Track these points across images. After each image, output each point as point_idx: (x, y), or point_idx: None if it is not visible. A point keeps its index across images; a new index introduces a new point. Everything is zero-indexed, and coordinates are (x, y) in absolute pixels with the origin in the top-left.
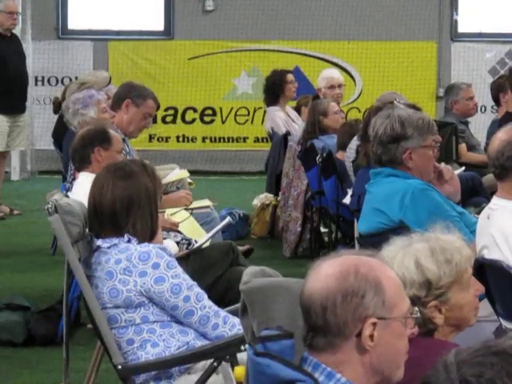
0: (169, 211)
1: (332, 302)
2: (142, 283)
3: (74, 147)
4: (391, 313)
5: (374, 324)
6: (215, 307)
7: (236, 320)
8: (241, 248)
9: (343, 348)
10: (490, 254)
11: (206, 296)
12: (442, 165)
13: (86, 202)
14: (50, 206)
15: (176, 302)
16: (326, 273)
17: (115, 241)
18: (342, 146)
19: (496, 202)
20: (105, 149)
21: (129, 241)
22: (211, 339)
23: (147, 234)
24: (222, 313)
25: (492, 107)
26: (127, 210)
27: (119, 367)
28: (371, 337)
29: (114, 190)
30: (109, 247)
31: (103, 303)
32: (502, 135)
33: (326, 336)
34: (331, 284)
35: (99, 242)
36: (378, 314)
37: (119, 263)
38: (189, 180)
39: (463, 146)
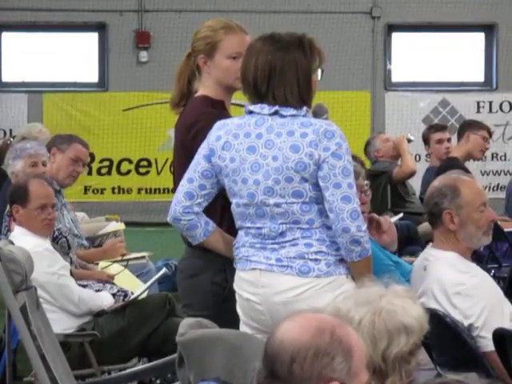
0: (102, 264)
1: (302, 356)
2: None
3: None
4: (352, 381)
5: None
6: None
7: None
8: None
9: None
10: (426, 305)
11: None
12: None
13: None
14: None
15: None
16: (302, 325)
17: None
18: None
19: (432, 252)
20: (22, 206)
21: None
22: None
23: None
24: None
25: (426, 155)
26: None
27: None
28: None
29: None
30: None
31: None
32: (435, 182)
33: None
34: (306, 337)
35: None
36: (341, 380)
37: None
38: (123, 226)
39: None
